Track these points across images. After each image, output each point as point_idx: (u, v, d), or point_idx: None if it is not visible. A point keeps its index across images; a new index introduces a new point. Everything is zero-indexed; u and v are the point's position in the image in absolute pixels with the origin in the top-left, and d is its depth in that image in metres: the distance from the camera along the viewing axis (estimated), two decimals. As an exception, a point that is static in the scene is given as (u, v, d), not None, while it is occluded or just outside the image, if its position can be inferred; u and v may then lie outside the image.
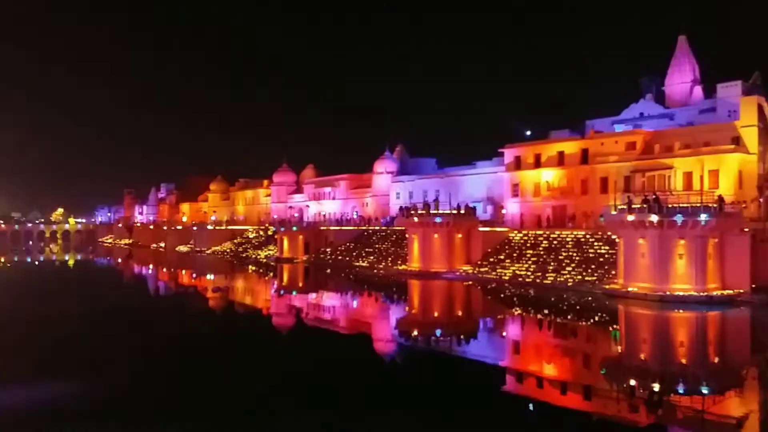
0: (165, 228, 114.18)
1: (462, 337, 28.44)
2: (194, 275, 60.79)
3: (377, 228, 68.40)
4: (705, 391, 19.17)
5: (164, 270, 69.65)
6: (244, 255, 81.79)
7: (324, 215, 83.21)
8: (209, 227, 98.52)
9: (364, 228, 70.48)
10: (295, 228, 73.43)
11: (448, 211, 52.11)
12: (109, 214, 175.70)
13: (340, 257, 65.94)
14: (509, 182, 57.08)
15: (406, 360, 24.27)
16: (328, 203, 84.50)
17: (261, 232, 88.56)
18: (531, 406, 17.57)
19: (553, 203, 53.26)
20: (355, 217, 77.71)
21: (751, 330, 29.53)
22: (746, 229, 35.65)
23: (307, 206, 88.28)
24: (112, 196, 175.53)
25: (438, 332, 29.73)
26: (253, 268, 67.39)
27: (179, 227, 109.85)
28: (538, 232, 50.22)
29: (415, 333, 29.22)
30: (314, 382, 19.59)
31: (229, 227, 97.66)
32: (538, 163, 54.85)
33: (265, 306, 40.98)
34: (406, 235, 55.04)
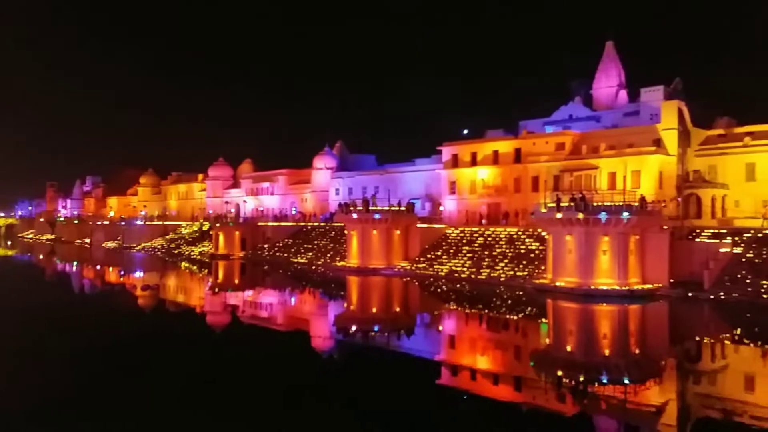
0: (91, 223, 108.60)
1: (399, 332, 28.76)
2: (122, 273, 58.20)
3: (316, 224, 67.94)
4: (627, 380, 20.30)
5: (89, 267, 66.24)
6: (176, 251, 79.11)
7: (262, 211, 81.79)
8: (139, 222, 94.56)
9: (303, 224, 69.81)
10: (231, 223, 71.72)
11: (387, 208, 52.48)
12: (30, 208, 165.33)
13: (278, 253, 65.02)
14: (447, 180, 58.14)
15: (343, 356, 24.29)
16: (266, 198, 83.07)
17: (195, 228, 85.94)
18: (465, 398, 18.03)
19: (488, 201, 54.73)
20: (294, 212, 76.84)
21: (669, 323, 31.48)
22: (665, 227, 37.98)
23: (245, 201, 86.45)
24: (34, 190, 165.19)
25: (376, 328, 29.92)
26: (187, 265, 65.30)
27: (106, 222, 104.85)
28: (474, 229, 51.45)
29: (354, 329, 29.28)
30: (248, 379, 19.24)
31: (161, 223, 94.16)
32: (474, 162, 56.18)
33: (199, 304, 39.82)
34: (345, 232, 54.99)
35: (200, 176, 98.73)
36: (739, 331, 28.10)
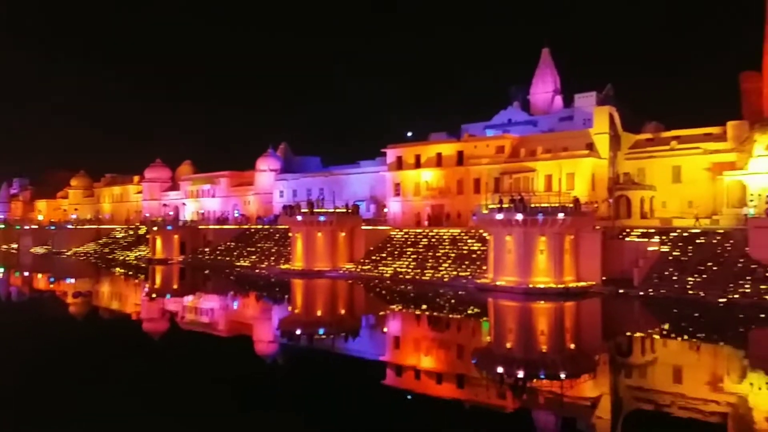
0: (18, 227, 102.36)
1: (344, 334, 28.72)
2: (52, 279, 55.17)
3: (260, 227, 66.82)
4: (563, 375, 21.09)
5: (16, 274, 62.40)
6: (110, 256, 75.82)
7: (203, 213, 79.62)
8: (70, 226, 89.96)
9: (246, 227, 68.49)
10: (169, 227, 69.37)
11: (332, 210, 52.30)
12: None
13: (219, 257, 63.48)
14: (391, 182, 58.59)
15: (287, 360, 24.02)
16: (207, 201, 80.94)
17: (131, 232, 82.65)
18: (409, 398, 18.23)
19: (432, 202, 55.56)
20: (236, 215, 75.24)
21: (602, 319, 32.96)
22: (598, 227, 39.75)
23: (184, 204, 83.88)
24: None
25: (321, 331, 29.76)
26: (122, 270, 62.66)
27: (35, 226, 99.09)
28: (418, 231, 52.08)
29: (298, 332, 28.99)
30: (188, 387, 18.69)
31: (94, 226, 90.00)
32: (418, 164, 56.91)
33: (135, 311, 38.31)
34: (290, 234, 54.40)
35: (136, 178, 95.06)
36: (667, 325, 29.75)
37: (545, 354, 24.42)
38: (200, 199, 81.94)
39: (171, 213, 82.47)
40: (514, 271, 37.64)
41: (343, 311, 36.93)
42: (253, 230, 66.54)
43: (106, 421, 15.72)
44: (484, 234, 43.20)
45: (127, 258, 72.90)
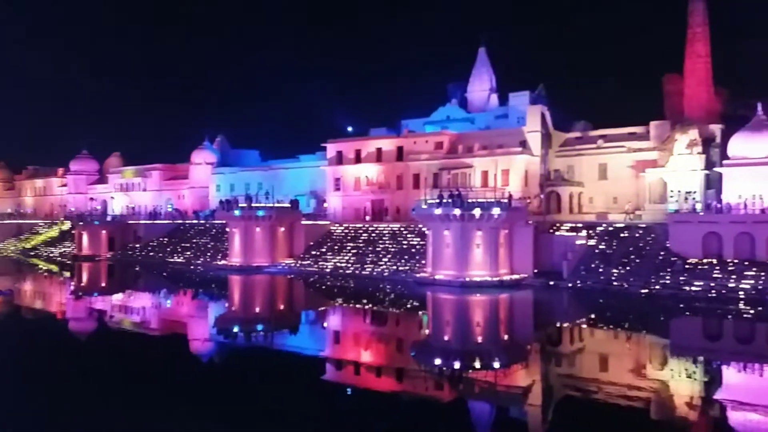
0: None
1: (284, 330, 28.44)
2: (-35, 278, 51.32)
3: (195, 222, 64.85)
4: (497, 365, 21.82)
5: None
6: (32, 253, 71.46)
7: (133, 208, 76.35)
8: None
9: (180, 222, 66.26)
10: (97, 222, 66.13)
11: (272, 205, 51.53)
12: None
13: (151, 253, 61.13)
14: (332, 176, 58.36)
15: (224, 358, 23.52)
16: (138, 195, 77.66)
17: (54, 227, 78.13)
18: (348, 392, 18.31)
19: (372, 197, 55.80)
20: (170, 210, 72.60)
21: (533, 310, 34.25)
22: (530, 222, 41.24)
23: (112, 198, 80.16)
24: None
25: (259, 327, 29.33)
26: (45, 267, 59.20)
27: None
28: (359, 225, 52.18)
29: (235, 330, 28.43)
30: (118, 389, 17.95)
31: (14, 221, 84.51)
32: (358, 159, 56.97)
33: (60, 310, 36.30)
34: (227, 229, 53.14)
35: (61, 170, 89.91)
36: (593, 315, 31.30)
37: (481, 345, 25.15)
38: (130, 193, 78.54)
39: (98, 207, 78.60)
40: (451, 264, 38.45)
41: (282, 307, 36.53)
42: (187, 225, 64.49)
43: (29, 424, 14.86)
44: (424, 229, 43.85)
45: (50, 254, 68.92)
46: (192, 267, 53.80)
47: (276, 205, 51.83)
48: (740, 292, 31.79)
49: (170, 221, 66.94)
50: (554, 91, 58.06)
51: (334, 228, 53.00)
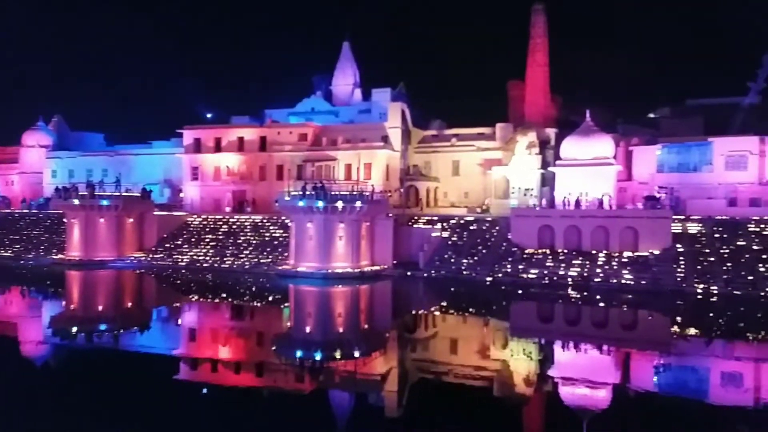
0: None
1: (132, 329, 26.54)
2: None
3: (26, 211, 57.75)
4: (357, 354, 22.46)
5: None
6: None
7: (-56, 194, 65.74)
8: None
9: (7, 211, 58.54)
10: None
11: (118, 194, 47.51)
12: None
13: (-31, 247, 53.21)
14: (189, 165, 55.42)
15: (62, 362, 21.35)
16: (-50, 179, 67.01)
17: None
18: (204, 391, 17.67)
19: (233, 188, 54.00)
20: (-7, 197, 63.71)
21: (392, 299, 35.75)
22: (390, 215, 42.85)
23: None
24: None
25: (103, 327, 27.02)
26: None
27: None
28: (218, 217, 50.23)
29: (75, 330, 25.90)
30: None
31: None
32: (218, 148, 54.75)
33: None
34: (65, 220, 47.98)
35: None
36: (445, 303, 33.47)
37: (341, 335, 25.69)
38: (-58, 177, 67.53)
39: None
40: (314, 257, 38.63)
41: (130, 305, 33.99)
42: (17, 215, 57.20)
43: None
44: (287, 221, 43.45)
45: None
46: (22, 262, 47.90)
47: (124, 194, 47.91)
48: (569, 279, 36.04)
49: (-6, 210, 58.78)
50: (414, 90, 60.68)
51: (191, 219, 50.43)
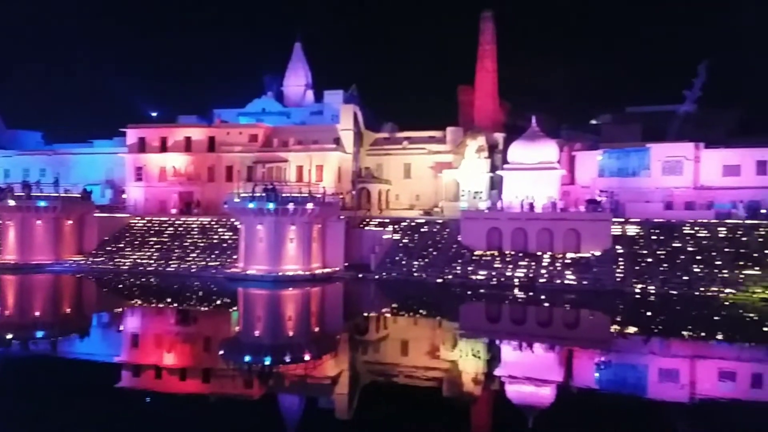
0: None
1: (70, 336, 25.39)
2: None
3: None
4: (307, 357, 22.26)
5: None
6: None
7: None
8: None
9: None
10: None
11: (56, 195, 45.37)
12: None
13: None
14: (132, 165, 53.55)
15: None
16: None
17: None
18: (147, 399, 17.08)
19: (180, 189, 52.54)
20: None
21: (343, 302, 35.58)
22: (342, 217, 42.69)
23: None
24: None
25: (40, 333, 25.74)
26: None
27: None
28: (164, 219, 48.75)
29: (9, 337, 24.54)
30: None
31: None
32: (164, 148, 53.14)
33: None
34: (0, 222, 45.45)
35: None
36: (396, 305, 33.61)
37: (291, 339, 25.39)
38: None
39: None
40: (264, 259, 38.04)
41: (68, 310, 32.52)
42: (-58, 217, 53.54)
43: None
44: (236, 223, 42.62)
45: None
46: (-52, 267, 44.92)
47: (62, 194, 45.80)
48: (515, 280, 36.90)
49: None
50: (366, 92, 60.76)
51: (135, 221, 48.72)
